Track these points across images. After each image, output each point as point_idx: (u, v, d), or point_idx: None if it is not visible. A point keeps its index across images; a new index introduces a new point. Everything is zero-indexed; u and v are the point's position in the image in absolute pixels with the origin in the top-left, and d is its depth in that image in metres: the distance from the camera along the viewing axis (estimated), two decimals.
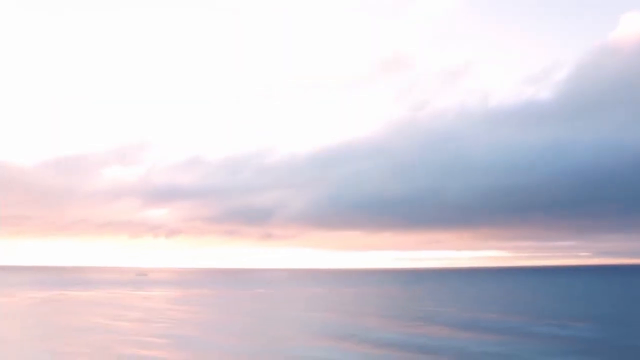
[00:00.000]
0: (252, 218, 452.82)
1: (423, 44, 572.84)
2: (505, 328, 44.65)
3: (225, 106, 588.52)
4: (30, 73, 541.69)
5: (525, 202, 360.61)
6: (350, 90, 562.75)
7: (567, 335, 40.21)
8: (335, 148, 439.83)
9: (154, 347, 34.61)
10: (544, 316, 54.65)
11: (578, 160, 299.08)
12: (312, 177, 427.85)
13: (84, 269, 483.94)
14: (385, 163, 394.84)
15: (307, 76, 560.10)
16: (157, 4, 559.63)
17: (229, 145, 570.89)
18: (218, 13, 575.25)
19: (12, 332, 42.72)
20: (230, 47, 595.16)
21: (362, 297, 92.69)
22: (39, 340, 37.92)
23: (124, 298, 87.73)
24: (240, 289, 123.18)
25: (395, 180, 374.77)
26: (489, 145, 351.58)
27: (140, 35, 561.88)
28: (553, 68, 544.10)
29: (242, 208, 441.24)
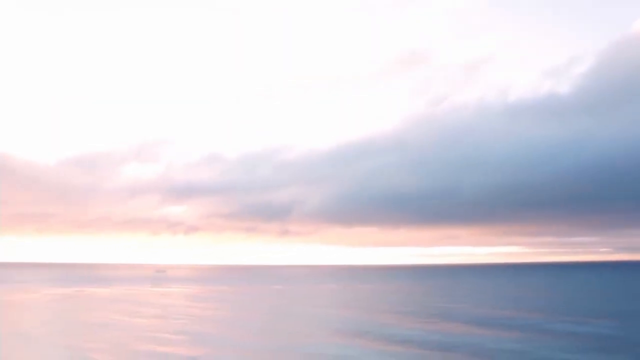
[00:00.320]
0: (270, 215, 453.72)
1: (441, 38, 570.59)
2: (523, 325, 44.38)
3: (243, 103, 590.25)
4: (52, 73, 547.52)
5: (545, 197, 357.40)
6: (368, 86, 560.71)
7: (585, 332, 39.87)
8: (352, 144, 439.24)
9: (172, 344, 34.89)
10: (562, 313, 54.23)
11: (598, 154, 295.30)
12: (330, 173, 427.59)
13: (104, 266, 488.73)
14: (403, 158, 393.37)
15: (325, 73, 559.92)
16: (177, 4, 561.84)
17: (247, 142, 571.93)
18: (237, 10, 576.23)
19: (32, 327, 43.29)
20: (248, 45, 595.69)
21: (378, 293, 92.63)
22: (58, 336, 38.43)
23: (143, 295, 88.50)
24: (258, 286, 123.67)
25: (413, 175, 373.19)
26: (507, 139, 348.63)
27: (160, 35, 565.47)
28: (572, 61, 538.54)
29: (260, 205, 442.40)
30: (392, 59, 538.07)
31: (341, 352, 31.26)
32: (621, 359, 30.43)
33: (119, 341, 35.94)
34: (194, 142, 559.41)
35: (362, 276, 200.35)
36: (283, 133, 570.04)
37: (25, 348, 33.37)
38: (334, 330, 41.78)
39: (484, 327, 43.23)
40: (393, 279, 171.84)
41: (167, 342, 35.81)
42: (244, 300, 77.72)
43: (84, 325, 45.38)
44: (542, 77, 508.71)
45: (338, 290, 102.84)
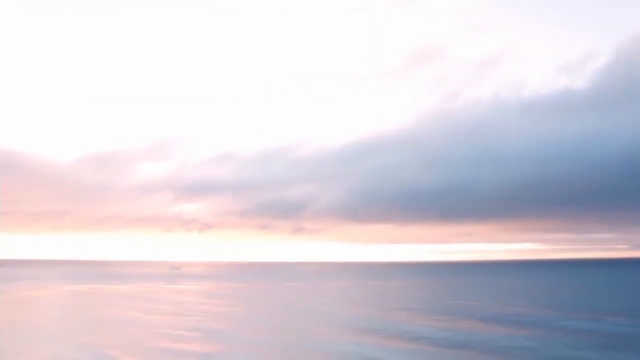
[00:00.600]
0: (284, 212, 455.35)
1: (455, 34, 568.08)
2: (537, 322, 44.04)
3: (256, 101, 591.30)
4: (67, 73, 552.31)
5: (560, 194, 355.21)
6: (382, 82, 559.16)
7: (601, 330, 39.47)
8: (366, 141, 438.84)
9: (186, 341, 35.01)
10: (578, 310, 53.77)
11: (614, 150, 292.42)
12: (344, 170, 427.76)
13: (118, 263, 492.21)
14: (417, 155, 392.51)
15: (339, 70, 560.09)
16: (190, 4, 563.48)
17: (261, 139, 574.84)
18: (252, 9, 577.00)
19: (47, 324, 43.65)
20: (260, 43, 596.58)
21: (392, 290, 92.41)
22: (73, 333, 38.69)
23: (157, 292, 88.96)
24: (271, 283, 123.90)
25: (427, 172, 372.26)
26: (522, 136, 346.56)
27: (175, 35, 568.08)
28: (589, 56, 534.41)
29: (274, 202, 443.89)
30: (406, 55, 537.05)
31: (354, 350, 31.19)
32: (636, 357, 30.08)
33: (134, 338, 36.12)
34: (208, 140, 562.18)
35: (375, 273, 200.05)
36: (296, 130, 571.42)
37: (40, 344, 33.61)
38: (347, 327, 41.72)
39: (498, 324, 42.94)
40: (407, 276, 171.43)
41: (181, 338, 35.94)
42: (258, 297, 77.85)
43: (99, 321, 45.66)
44: (557, 72, 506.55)
45: (351, 288, 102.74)
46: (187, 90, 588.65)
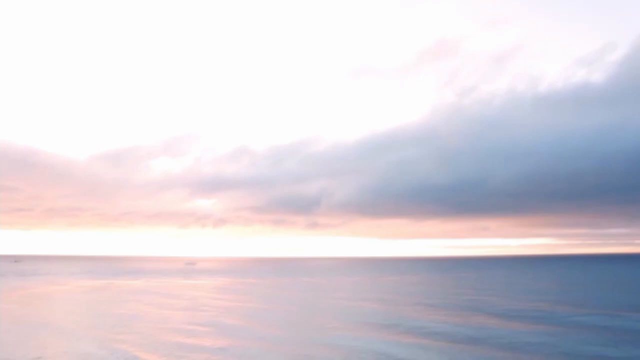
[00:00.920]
0: (299, 207, 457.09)
1: (469, 28, 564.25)
2: (552, 317, 43.69)
3: (270, 96, 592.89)
4: (83, 70, 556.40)
5: (577, 189, 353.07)
6: (396, 77, 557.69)
7: (616, 326, 38.96)
8: (381, 136, 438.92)
9: (199, 335, 35.10)
10: (592, 306, 53.21)
11: (632, 144, 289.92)
12: (358, 165, 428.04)
13: (134, 258, 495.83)
14: (432, 150, 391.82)
15: (352, 64, 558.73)
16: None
17: (275, 135, 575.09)
18: (266, 5, 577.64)
19: (63, 319, 43.94)
20: (273, 38, 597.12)
21: (407, 285, 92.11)
22: (88, 327, 38.90)
23: (172, 287, 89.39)
24: (286, 278, 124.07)
25: (442, 167, 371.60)
26: (538, 130, 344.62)
27: (188, 30, 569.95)
28: (606, 49, 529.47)
29: (288, 197, 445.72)
30: (420, 50, 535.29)
31: (367, 345, 31.07)
32: None
33: (148, 332, 36.27)
34: (222, 136, 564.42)
35: (390, 268, 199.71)
36: (311, 126, 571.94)
37: (55, 339, 33.84)
38: (361, 322, 41.59)
39: (513, 319, 42.62)
40: (421, 271, 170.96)
41: (195, 333, 36.04)
42: (272, 292, 77.96)
43: (114, 316, 45.90)
44: (574, 65, 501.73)
45: (366, 283, 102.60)
46: (202, 86, 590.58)
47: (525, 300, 60.23)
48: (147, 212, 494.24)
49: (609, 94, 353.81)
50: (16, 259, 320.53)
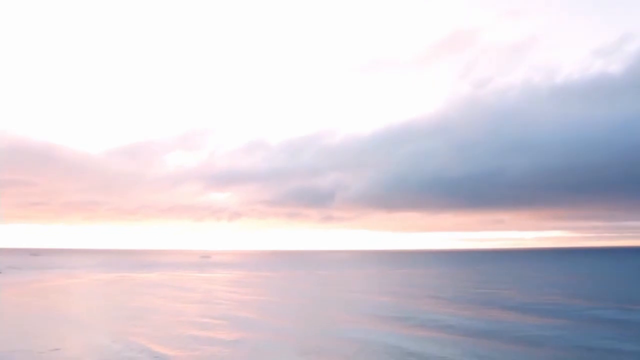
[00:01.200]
0: (313, 200, 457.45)
1: (485, 19, 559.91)
2: (567, 311, 43.44)
3: (285, 89, 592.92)
4: (98, 65, 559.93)
5: (593, 181, 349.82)
6: (411, 69, 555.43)
7: (632, 320, 38.64)
8: (396, 128, 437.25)
9: (213, 328, 35.32)
10: (608, 299, 52.83)
11: None
12: (373, 158, 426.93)
13: (150, 252, 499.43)
14: (447, 142, 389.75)
15: (368, 56, 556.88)
16: None
17: (290, 128, 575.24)
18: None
19: (78, 312, 44.46)
20: (289, 31, 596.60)
21: (421, 278, 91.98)
22: (102, 320, 39.36)
23: (187, 280, 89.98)
24: (300, 271, 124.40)
25: (457, 159, 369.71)
26: (555, 122, 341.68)
27: (202, 24, 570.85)
28: (624, 40, 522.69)
29: (303, 190, 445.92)
30: (436, 41, 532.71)
31: (380, 338, 31.11)
32: None
33: (162, 325, 36.59)
34: (237, 129, 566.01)
35: (404, 261, 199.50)
36: (325, 119, 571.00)
37: (72, 331, 34.25)
38: (374, 315, 41.64)
39: (527, 313, 42.46)
40: (436, 264, 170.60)
41: (209, 326, 36.28)
42: (286, 285, 78.24)
43: (128, 309, 46.34)
44: (591, 56, 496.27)
45: (379, 276, 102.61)
46: (216, 80, 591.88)
47: (539, 293, 59.96)
48: (162, 206, 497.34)
49: (627, 85, 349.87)
50: (34, 253, 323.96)
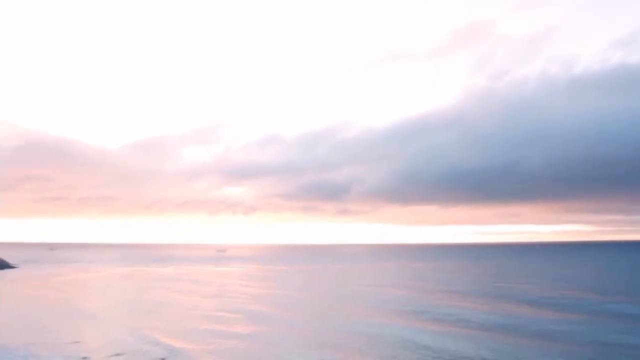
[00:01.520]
0: (328, 194, 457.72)
1: (502, 10, 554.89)
2: (585, 305, 43.08)
3: (300, 83, 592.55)
4: (114, 61, 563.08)
5: (612, 173, 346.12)
6: (427, 62, 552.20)
7: None
8: (411, 121, 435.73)
9: (228, 322, 35.48)
10: (627, 294, 52.37)
11: None
12: (388, 151, 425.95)
13: (166, 246, 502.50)
14: (463, 135, 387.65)
15: (383, 49, 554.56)
16: None
17: (305, 122, 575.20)
18: None
19: (94, 306, 44.85)
20: (303, 25, 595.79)
21: (436, 272, 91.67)
22: (118, 314, 39.69)
23: (202, 274, 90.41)
24: (315, 265, 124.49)
25: (473, 152, 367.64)
26: (572, 114, 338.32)
27: (217, 19, 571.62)
28: None
29: (318, 184, 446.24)
30: (452, 33, 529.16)
31: (394, 332, 31.06)
32: None
33: (177, 319, 36.85)
34: (252, 123, 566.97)
35: (419, 255, 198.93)
36: (340, 111, 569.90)
37: (89, 325, 34.60)
38: (389, 309, 41.59)
39: (544, 307, 42.17)
40: (451, 257, 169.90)
41: (224, 320, 36.45)
42: (301, 279, 78.35)
43: (144, 303, 46.70)
44: (609, 47, 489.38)
45: (395, 269, 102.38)
46: (231, 74, 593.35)
47: (555, 287, 59.50)
48: (178, 200, 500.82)
49: None
50: (51, 247, 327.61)
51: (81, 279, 77.46)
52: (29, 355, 25.68)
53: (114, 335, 30.85)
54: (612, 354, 25.88)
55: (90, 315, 39.35)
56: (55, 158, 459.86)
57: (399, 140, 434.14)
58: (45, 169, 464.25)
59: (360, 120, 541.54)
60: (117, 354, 25.76)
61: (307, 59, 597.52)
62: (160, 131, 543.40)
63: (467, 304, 44.40)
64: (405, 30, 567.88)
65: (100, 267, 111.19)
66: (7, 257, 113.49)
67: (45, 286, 63.32)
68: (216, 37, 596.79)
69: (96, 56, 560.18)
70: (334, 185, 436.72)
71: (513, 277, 77.24)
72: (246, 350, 26.82)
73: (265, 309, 42.38)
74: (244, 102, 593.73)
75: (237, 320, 36.41)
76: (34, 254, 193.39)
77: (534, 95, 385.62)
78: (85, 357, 25.08)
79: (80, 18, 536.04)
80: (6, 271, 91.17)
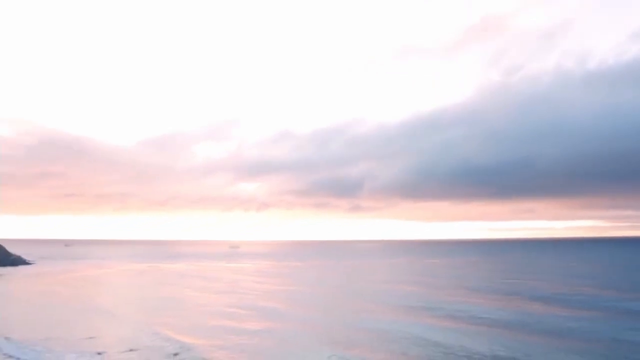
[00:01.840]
0: (341, 190, 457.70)
1: (516, 4, 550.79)
2: (598, 302, 42.81)
3: (313, 79, 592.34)
4: (128, 58, 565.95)
5: (627, 169, 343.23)
6: (440, 57, 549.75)
7: None
8: (425, 117, 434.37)
9: (240, 318, 35.67)
10: None
11: None
12: (402, 147, 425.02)
13: (179, 242, 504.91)
14: (477, 130, 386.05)
15: (396, 44, 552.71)
16: None
17: (318, 118, 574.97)
18: None
19: (109, 302, 45.23)
20: (316, 20, 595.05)
21: (449, 268, 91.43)
22: (130, 310, 40.02)
23: (215, 270, 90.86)
24: (328, 261, 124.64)
25: (487, 148, 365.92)
26: (587, 109, 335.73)
27: (229, 16, 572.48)
28: None
29: (331, 180, 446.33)
30: (465, 28, 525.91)
31: (406, 329, 31.08)
32: None
33: (190, 315, 37.11)
34: (265, 120, 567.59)
35: (432, 251, 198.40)
36: (354, 107, 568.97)
37: (104, 321, 34.94)
38: (401, 306, 41.59)
39: (557, 304, 41.97)
40: (465, 253, 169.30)
41: (236, 316, 36.65)
42: (314, 275, 78.48)
43: (157, 299, 47.06)
44: (626, 40, 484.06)
45: (407, 265, 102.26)
46: (245, 71, 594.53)
47: (569, 284, 59.15)
48: (191, 197, 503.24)
49: None
50: (67, 243, 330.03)
51: (95, 275, 78.14)
52: (44, 351, 26.03)
53: (127, 331, 31.16)
54: (625, 351, 25.74)
55: (104, 311, 39.71)
56: (71, 156, 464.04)
57: (412, 136, 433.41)
58: (61, 166, 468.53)
59: (373, 116, 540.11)
60: (131, 349, 26.03)
61: (321, 55, 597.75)
62: (174, 128, 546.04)
63: (480, 301, 44.30)
64: (419, 26, 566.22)
65: (115, 263, 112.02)
66: (24, 254, 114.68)
67: (60, 282, 63.96)
68: (229, 34, 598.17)
69: (111, 55, 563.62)
70: (347, 181, 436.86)
71: (526, 274, 76.86)
72: (257, 346, 26.99)
73: (278, 305, 42.56)
74: (257, 99, 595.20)
75: (249, 317, 36.60)
76: (49, 250, 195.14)
77: (549, 90, 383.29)
78: (100, 353, 25.38)
79: (96, 18, 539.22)
80: (22, 267, 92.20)
